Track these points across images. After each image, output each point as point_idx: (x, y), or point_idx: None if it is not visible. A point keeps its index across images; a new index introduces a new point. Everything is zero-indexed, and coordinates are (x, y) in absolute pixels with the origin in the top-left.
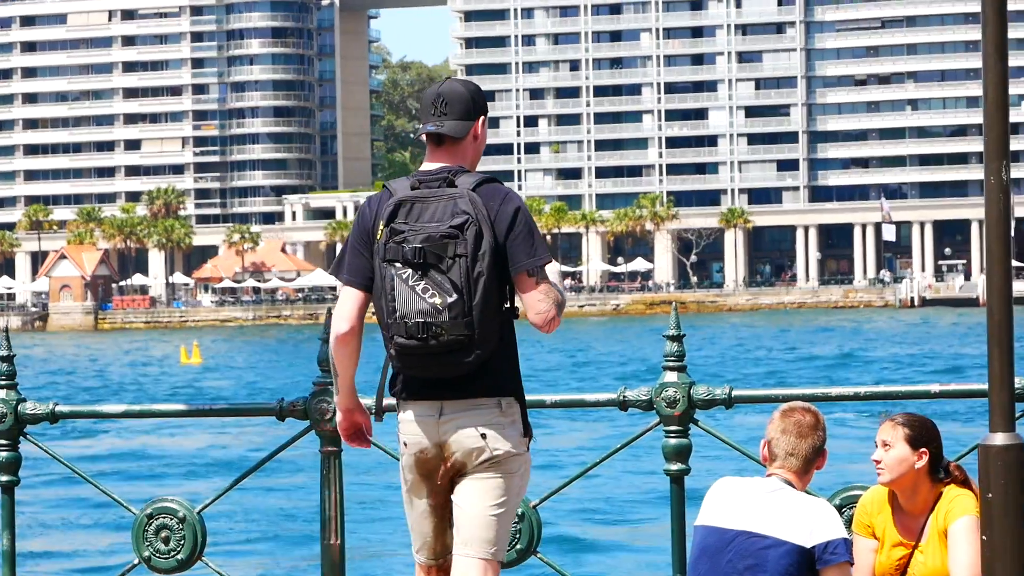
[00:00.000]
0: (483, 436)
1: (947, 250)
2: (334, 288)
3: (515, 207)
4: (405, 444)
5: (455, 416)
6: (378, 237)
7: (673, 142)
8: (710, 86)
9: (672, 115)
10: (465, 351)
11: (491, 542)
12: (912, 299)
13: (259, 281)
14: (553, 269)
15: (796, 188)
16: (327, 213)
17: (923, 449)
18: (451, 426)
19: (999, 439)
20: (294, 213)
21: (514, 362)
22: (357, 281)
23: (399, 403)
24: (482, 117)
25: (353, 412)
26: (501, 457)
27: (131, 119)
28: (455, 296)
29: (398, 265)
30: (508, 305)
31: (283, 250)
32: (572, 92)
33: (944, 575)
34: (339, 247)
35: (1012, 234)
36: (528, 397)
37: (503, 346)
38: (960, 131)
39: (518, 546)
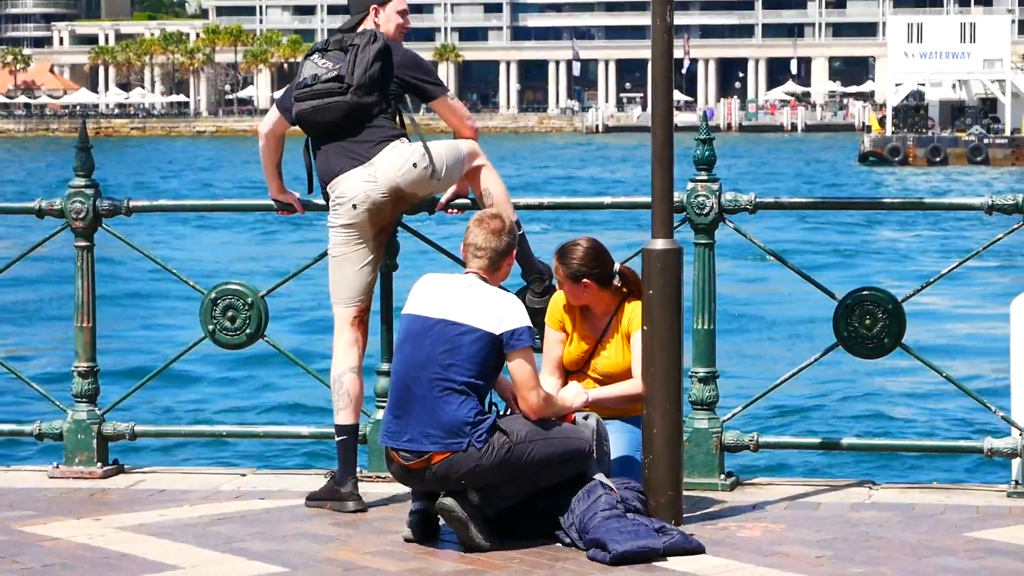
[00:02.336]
0: (414, 165)
1: (627, 85)
2: (96, 105)
3: (416, 55)
4: (355, 206)
5: (381, 161)
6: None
7: None
8: None
9: None
10: (339, 93)
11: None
12: (597, 126)
13: (30, 98)
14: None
15: (500, 28)
16: (91, 39)
17: (584, 281)
18: (385, 169)
19: (659, 244)
20: (61, 38)
21: (397, 130)
22: (282, 104)
23: (336, 179)
24: (374, 6)
25: (278, 194)
26: (431, 166)
27: None
28: (340, 64)
29: (314, 56)
30: (389, 99)
31: (51, 71)
32: None
33: (622, 366)
34: (101, 69)
35: (684, 72)
36: None
37: (385, 115)
38: None
39: (248, 331)
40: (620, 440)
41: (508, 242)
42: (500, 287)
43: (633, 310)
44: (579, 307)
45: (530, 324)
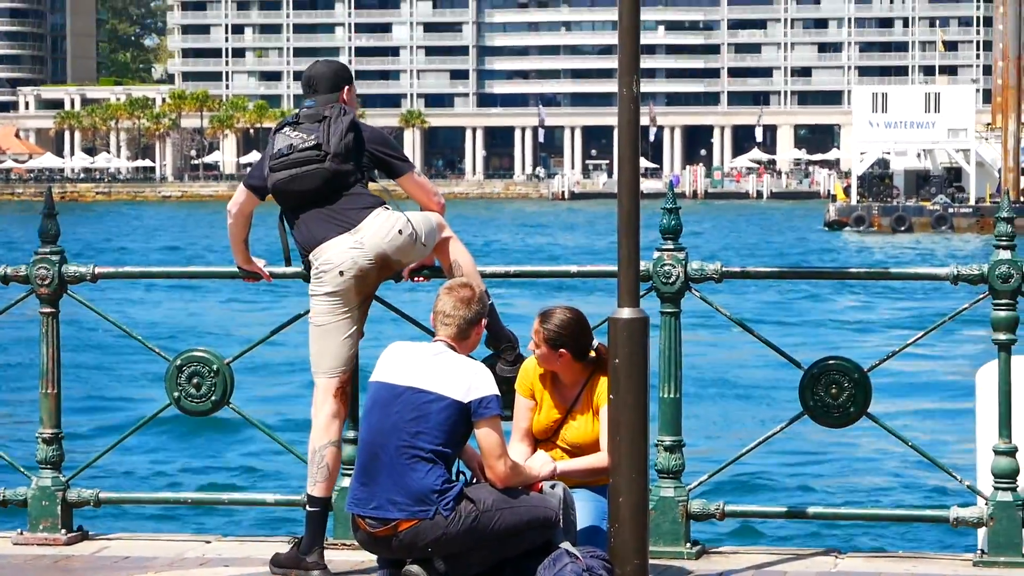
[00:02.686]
0: (400, 232)
1: (593, 151)
2: (62, 170)
3: (382, 132)
4: (341, 273)
5: (367, 227)
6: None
7: (361, 51)
8: (394, 3)
9: (361, 28)
10: (318, 161)
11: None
12: (563, 192)
13: None
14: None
15: (466, 94)
16: (56, 104)
17: (561, 350)
18: (372, 236)
19: (625, 313)
20: (27, 103)
21: (377, 197)
22: (250, 183)
23: (320, 246)
24: (346, 87)
25: (244, 264)
26: (415, 233)
27: None
28: (315, 134)
29: (286, 129)
30: (362, 171)
31: (16, 135)
32: (274, 5)
33: (590, 438)
34: (67, 134)
35: (651, 139)
36: None
37: (361, 183)
38: (607, 50)
39: (213, 398)
40: (586, 509)
41: (477, 311)
42: (469, 356)
43: (604, 383)
44: (550, 376)
45: (498, 393)
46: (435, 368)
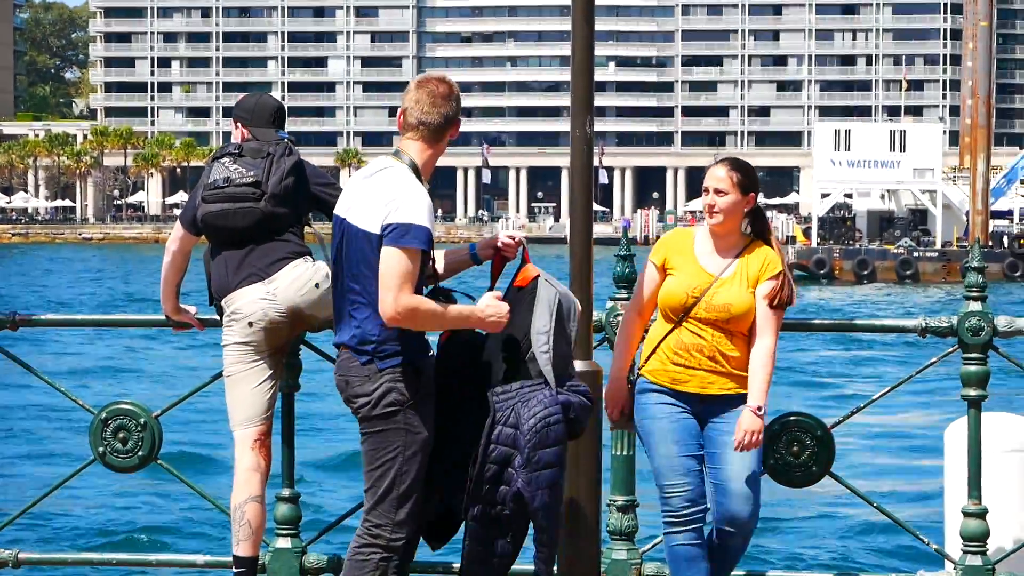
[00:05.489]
0: (316, 286)
1: (540, 193)
2: None
3: (323, 171)
4: (251, 324)
5: (282, 279)
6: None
7: (295, 87)
8: (330, 37)
9: (294, 62)
10: (253, 200)
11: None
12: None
13: None
14: None
15: None
16: None
17: (751, 194)
18: (285, 288)
19: (578, 365)
20: None
21: (303, 247)
22: (184, 219)
23: (232, 294)
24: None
25: (173, 313)
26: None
27: None
28: (255, 170)
29: (225, 160)
30: (300, 215)
31: None
32: (203, 37)
33: (744, 306)
34: None
35: (602, 181)
36: None
37: (292, 230)
38: (554, 87)
39: (140, 453)
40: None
41: (455, 109)
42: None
43: (767, 255)
44: (696, 245)
45: (427, 225)
46: (365, 193)
